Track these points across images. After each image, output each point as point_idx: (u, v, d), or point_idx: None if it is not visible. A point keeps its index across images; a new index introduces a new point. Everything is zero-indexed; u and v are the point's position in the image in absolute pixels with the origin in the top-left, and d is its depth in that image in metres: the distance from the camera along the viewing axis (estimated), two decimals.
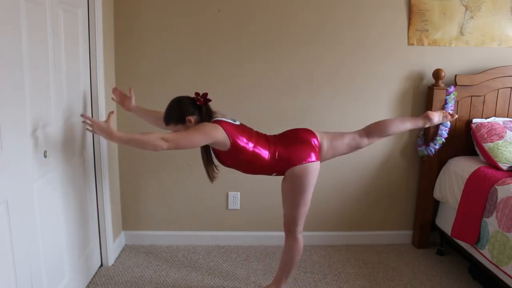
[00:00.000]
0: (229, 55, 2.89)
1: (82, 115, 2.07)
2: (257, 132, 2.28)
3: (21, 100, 1.78)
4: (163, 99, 2.24)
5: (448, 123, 2.89)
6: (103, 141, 2.62)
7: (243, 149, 2.13)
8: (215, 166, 2.27)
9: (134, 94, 2.47)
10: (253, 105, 2.96)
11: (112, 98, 2.51)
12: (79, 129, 2.38)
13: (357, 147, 2.37)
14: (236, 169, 2.27)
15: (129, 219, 3.11)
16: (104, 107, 2.60)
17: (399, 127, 2.41)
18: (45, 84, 1.99)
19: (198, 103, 2.15)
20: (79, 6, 2.34)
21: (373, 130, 2.38)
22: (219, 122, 2.10)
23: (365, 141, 2.37)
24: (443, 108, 2.90)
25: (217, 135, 2.05)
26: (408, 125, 2.44)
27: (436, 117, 2.45)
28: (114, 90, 2.51)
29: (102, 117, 2.56)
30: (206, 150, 2.23)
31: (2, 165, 1.65)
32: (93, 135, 2.55)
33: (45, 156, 1.97)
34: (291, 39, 2.90)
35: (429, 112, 2.47)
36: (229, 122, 2.15)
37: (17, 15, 1.72)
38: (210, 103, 2.19)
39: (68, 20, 2.19)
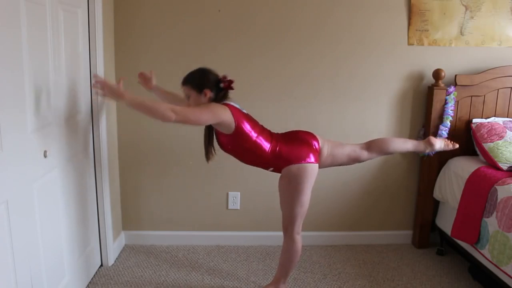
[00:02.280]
0: (228, 55, 2.89)
1: (94, 76, 2.08)
2: (262, 125, 2.30)
3: (21, 100, 1.78)
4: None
5: (448, 123, 2.90)
6: (104, 141, 2.62)
7: (246, 136, 2.15)
8: (214, 149, 2.29)
9: (154, 76, 2.46)
10: (253, 105, 2.93)
11: (138, 81, 2.50)
12: (79, 129, 2.38)
13: (356, 160, 2.40)
14: (235, 155, 2.29)
15: (129, 219, 3.10)
16: (104, 107, 2.60)
17: (400, 146, 2.46)
18: (45, 84, 1.99)
19: (222, 85, 2.19)
20: (79, 6, 2.33)
21: (374, 145, 2.41)
22: (228, 105, 2.13)
23: (365, 154, 2.39)
24: (443, 108, 2.91)
25: (224, 116, 2.08)
26: (410, 146, 2.48)
27: (438, 143, 2.48)
28: (140, 75, 2.50)
29: (103, 117, 2.59)
30: (209, 131, 2.26)
31: (2, 165, 1.65)
32: (93, 135, 2.56)
33: (45, 156, 1.97)
34: (291, 39, 2.90)
35: (432, 137, 2.50)
36: (238, 108, 2.18)
37: (17, 15, 1.72)
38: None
39: (68, 20, 2.19)
